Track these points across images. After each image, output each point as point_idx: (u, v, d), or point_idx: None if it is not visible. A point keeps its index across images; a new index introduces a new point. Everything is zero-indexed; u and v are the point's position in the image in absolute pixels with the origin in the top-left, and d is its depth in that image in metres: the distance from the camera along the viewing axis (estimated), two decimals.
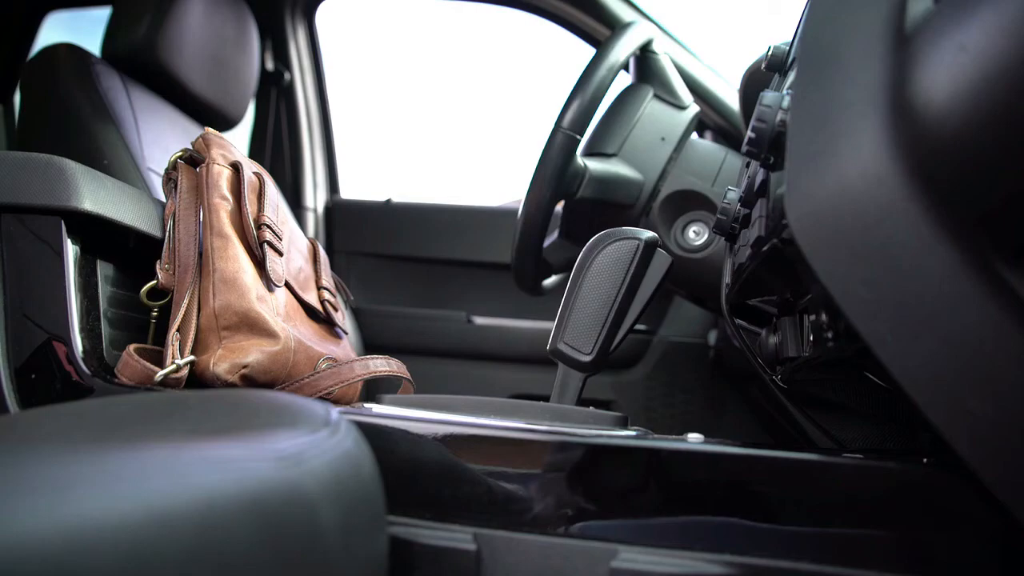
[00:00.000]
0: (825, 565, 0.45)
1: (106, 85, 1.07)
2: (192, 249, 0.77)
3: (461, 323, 1.56)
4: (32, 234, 0.69)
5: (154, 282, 0.76)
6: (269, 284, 0.80)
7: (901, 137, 0.35)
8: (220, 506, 0.33)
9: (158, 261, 0.77)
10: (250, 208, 0.81)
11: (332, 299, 0.94)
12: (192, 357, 0.73)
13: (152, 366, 0.71)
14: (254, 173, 0.85)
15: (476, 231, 1.56)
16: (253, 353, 0.74)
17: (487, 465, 0.52)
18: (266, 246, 0.81)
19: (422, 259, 1.60)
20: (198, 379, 0.74)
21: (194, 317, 0.75)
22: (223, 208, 0.79)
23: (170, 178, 0.82)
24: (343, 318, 0.97)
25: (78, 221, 0.71)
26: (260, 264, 0.80)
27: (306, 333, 0.84)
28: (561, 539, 0.49)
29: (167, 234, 0.78)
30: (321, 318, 0.91)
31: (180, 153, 0.83)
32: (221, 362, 0.73)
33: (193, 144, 0.84)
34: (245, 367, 0.73)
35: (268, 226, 0.82)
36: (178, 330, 0.74)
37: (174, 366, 0.71)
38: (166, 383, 0.71)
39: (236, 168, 0.83)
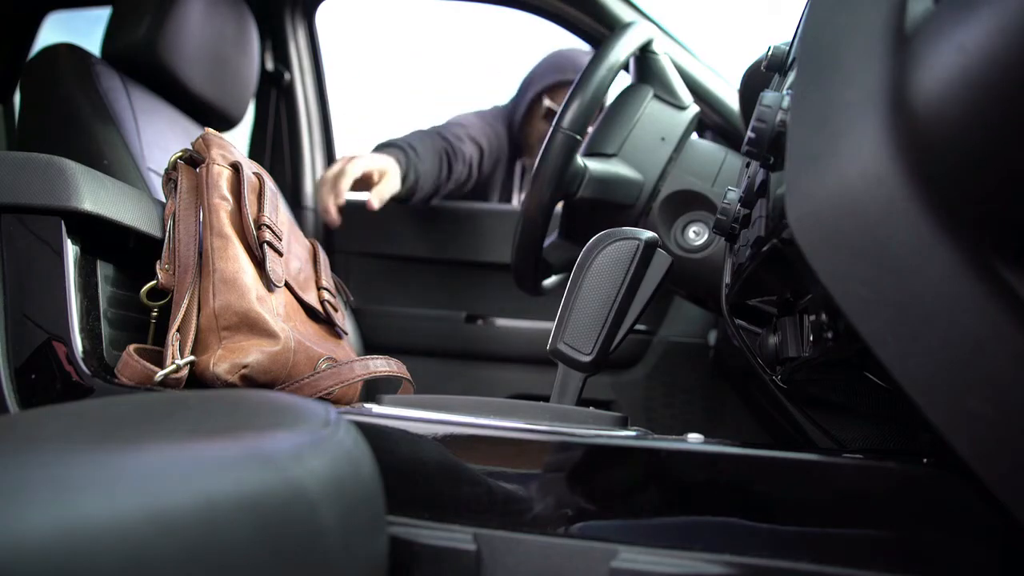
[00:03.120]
0: (825, 565, 0.45)
1: (106, 85, 1.07)
2: (192, 249, 0.77)
3: (461, 323, 1.56)
4: (32, 234, 0.69)
5: (154, 282, 0.76)
6: (269, 284, 0.80)
7: (901, 137, 0.35)
8: (220, 506, 0.33)
9: (158, 261, 0.77)
10: (250, 208, 0.81)
11: (332, 299, 0.94)
12: (192, 357, 0.73)
13: (152, 366, 0.71)
14: (254, 173, 0.85)
15: (476, 231, 1.57)
16: (253, 353, 0.74)
17: (487, 465, 0.52)
18: (266, 246, 0.81)
19: (422, 259, 1.60)
20: (198, 379, 0.74)
21: (194, 317, 0.75)
22: (223, 208, 0.79)
23: (170, 178, 0.82)
24: (343, 318, 0.97)
25: (78, 221, 0.71)
26: (260, 264, 0.80)
27: (306, 333, 0.84)
28: (561, 539, 0.49)
29: (167, 234, 0.78)
30: (321, 318, 0.91)
31: (180, 153, 0.83)
32: (221, 362, 0.73)
33: (193, 144, 0.84)
34: (245, 367, 0.73)
35: (268, 226, 0.82)
36: (178, 330, 0.74)
37: (174, 366, 0.71)
38: (166, 383, 0.71)
39: (236, 168, 0.83)
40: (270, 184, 0.87)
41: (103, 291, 0.75)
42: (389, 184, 1.32)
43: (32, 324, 0.69)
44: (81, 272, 0.72)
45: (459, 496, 0.51)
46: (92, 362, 0.70)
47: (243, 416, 0.45)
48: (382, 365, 0.85)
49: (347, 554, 0.40)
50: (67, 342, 0.69)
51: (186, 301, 0.75)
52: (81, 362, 0.69)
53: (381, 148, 1.39)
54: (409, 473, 0.52)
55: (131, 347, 0.72)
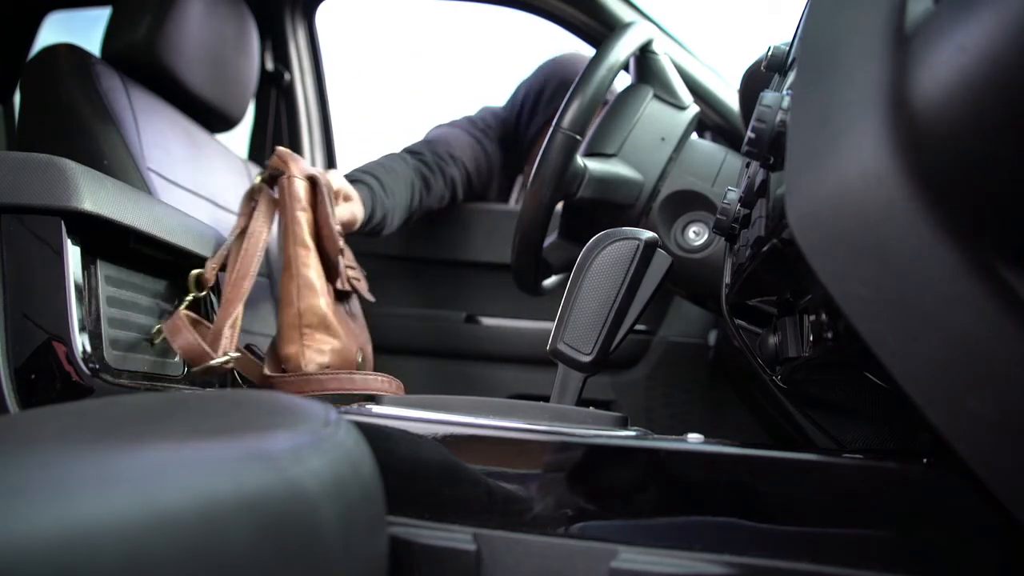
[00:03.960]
0: (825, 565, 0.45)
1: (106, 85, 1.07)
2: (254, 262, 0.88)
3: (461, 323, 1.56)
4: (32, 234, 0.69)
5: (201, 271, 0.87)
6: (333, 284, 0.95)
7: (901, 137, 0.35)
8: (220, 506, 0.33)
9: (209, 259, 0.87)
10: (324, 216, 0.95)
11: (355, 273, 1.05)
12: (236, 354, 0.82)
13: (206, 346, 0.77)
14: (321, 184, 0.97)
15: (476, 231, 1.56)
16: (327, 352, 0.91)
17: (487, 465, 0.52)
18: (340, 257, 0.96)
19: (422, 259, 1.60)
20: (290, 367, 0.89)
21: (240, 317, 0.84)
22: (304, 220, 0.92)
23: (252, 197, 0.94)
24: (366, 287, 1.08)
25: (78, 221, 0.71)
26: (329, 269, 0.95)
27: (345, 327, 0.97)
28: (561, 539, 0.49)
29: (232, 242, 0.89)
30: (346, 296, 1.03)
31: (263, 175, 0.95)
32: (310, 364, 0.90)
33: (269, 163, 0.96)
34: (327, 365, 0.90)
35: (341, 234, 0.97)
36: (231, 326, 0.83)
37: (226, 357, 0.79)
38: (210, 370, 0.77)
39: (312, 181, 0.95)
40: (324, 188, 0.97)
41: (103, 291, 0.75)
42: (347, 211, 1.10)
43: (32, 324, 0.69)
44: (81, 272, 0.72)
45: (459, 496, 0.51)
46: (92, 362, 0.70)
47: (243, 416, 0.45)
48: (376, 383, 0.92)
49: (347, 554, 0.40)
50: (67, 342, 0.69)
51: (240, 306, 0.84)
52: (81, 362, 0.69)
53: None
54: (409, 473, 0.52)
55: (182, 311, 0.79)
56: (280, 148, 0.96)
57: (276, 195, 0.94)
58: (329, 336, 0.91)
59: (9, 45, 1.54)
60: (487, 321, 1.56)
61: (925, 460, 0.45)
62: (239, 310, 0.83)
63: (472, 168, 1.46)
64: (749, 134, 0.44)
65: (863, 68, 0.37)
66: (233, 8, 1.26)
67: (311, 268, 0.91)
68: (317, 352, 0.90)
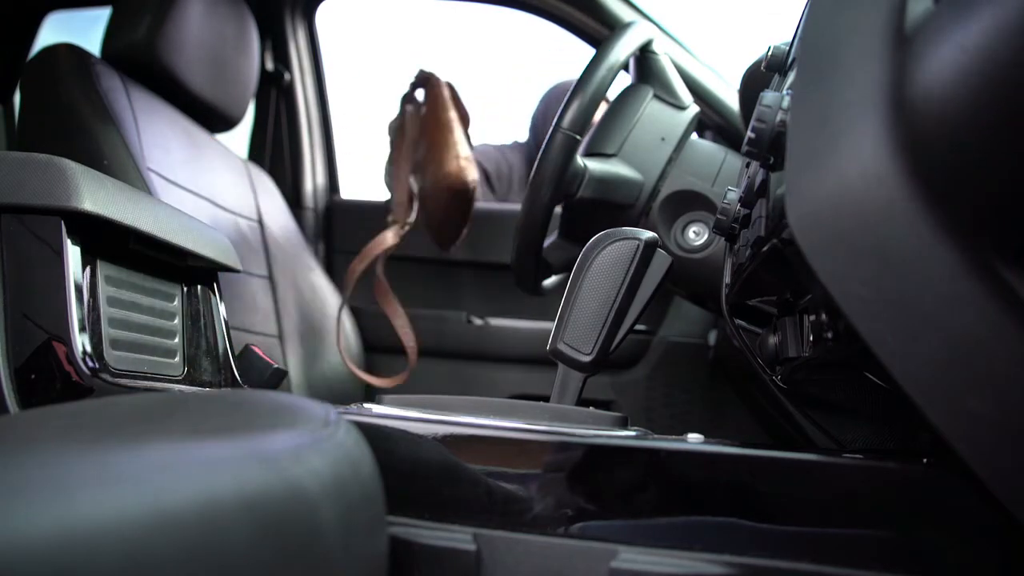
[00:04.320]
0: (825, 565, 0.45)
1: (106, 85, 1.07)
2: (411, 145, 1.48)
3: (461, 323, 1.56)
4: (32, 234, 0.69)
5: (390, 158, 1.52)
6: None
7: (901, 137, 0.35)
8: (220, 506, 0.33)
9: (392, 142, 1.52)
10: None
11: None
12: (415, 213, 1.48)
13: (408, 207, 1.47)
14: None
15: (476, 231, 1.57)
16: (475, 174, 1.44)
17: (487, 465, 0.52)
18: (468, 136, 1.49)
19: (422, 259, 1.60)
20: (452, 180, 1.41)
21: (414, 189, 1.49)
22: (450, 108, 1.45)
23: (407, 100, 1.50)
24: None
25: (78, 221, 0.71)
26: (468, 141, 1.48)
27: None
28: (561, 539, 0.49)
29: (396, 129, 1.51)
30: None
31: (412, 83, 1.50)
32: (468, 176, 1.41)
33: (416, 76, 1.49)
34: (477, 180, 1.44)
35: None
36: (408, 195, 1.49)
37: (413, 217, 1.48)
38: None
39: (450, 86, 1.49)
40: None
41: (103, 291, 0.75)
42: None
43: (32, 324, 0.69)
44: (81, 272, 0.72)
45: (459, 496, 0.51)
46: (92, 362, 0.70)
47: (243, 416, 0.45)
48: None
49: (347, 554, 0.40)
50: (67, 342, 0.68)
51: (410, 172, 1.49)
52: (81, 362, 0.69)
53: None
54: (409, 473, 0.52)
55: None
56: (420, 68, 1.49)
57: (421, 98, 1.48)
58: (474, 168, 1.43)
59: (9, 45, 1.54)
60: (487, 321, 1.56)
61: (925, 460, 0.45)
62: (410, 177, 1.48)
63: (492, 170, 1.80)
64: (749, 134, 0.44)
65: (863, 68, 0.37)
66: (233, 8, 1.26)
67: (456, 129, 1.43)
68: (471, 171, 1.41)
